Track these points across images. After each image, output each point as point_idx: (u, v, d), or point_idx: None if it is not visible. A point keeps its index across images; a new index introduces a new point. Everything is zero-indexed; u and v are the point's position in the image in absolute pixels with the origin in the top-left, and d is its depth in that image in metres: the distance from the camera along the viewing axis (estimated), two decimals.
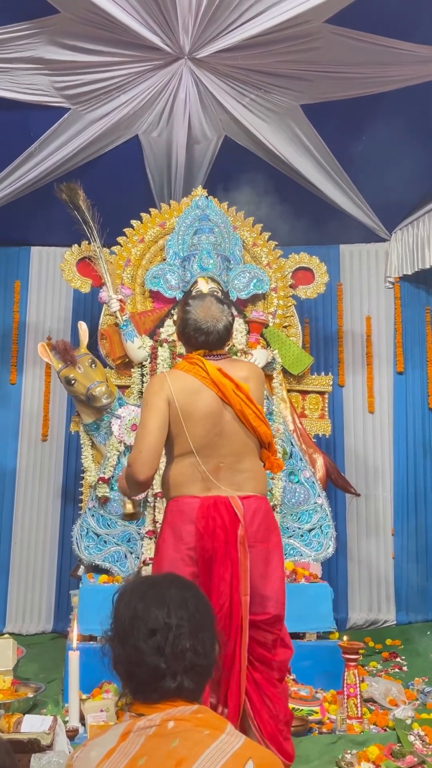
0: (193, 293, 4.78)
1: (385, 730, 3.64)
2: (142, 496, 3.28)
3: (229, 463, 2.86)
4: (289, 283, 5.23)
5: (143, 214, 5.21)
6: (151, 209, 5.25)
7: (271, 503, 4.64)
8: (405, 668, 4.77)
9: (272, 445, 2.98)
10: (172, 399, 2.82)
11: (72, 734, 3.38)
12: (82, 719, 3.60)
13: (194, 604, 1.58)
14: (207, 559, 2.74)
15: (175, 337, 4.58)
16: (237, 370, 2.97)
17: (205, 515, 2.78)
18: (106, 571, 4.58)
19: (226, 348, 3.11)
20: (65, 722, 3.44)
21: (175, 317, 4.71)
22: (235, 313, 4.84)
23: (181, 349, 4.60)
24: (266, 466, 2.98)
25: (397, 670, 4.74)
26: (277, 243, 5.25)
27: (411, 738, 3.44)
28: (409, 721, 3.67)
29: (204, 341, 2.93)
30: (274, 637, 2.84)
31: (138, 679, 1.53)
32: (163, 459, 2.95)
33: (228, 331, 2.99)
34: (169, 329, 4.81)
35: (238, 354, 4.74)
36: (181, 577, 1.72)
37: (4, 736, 2.96)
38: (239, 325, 4.82)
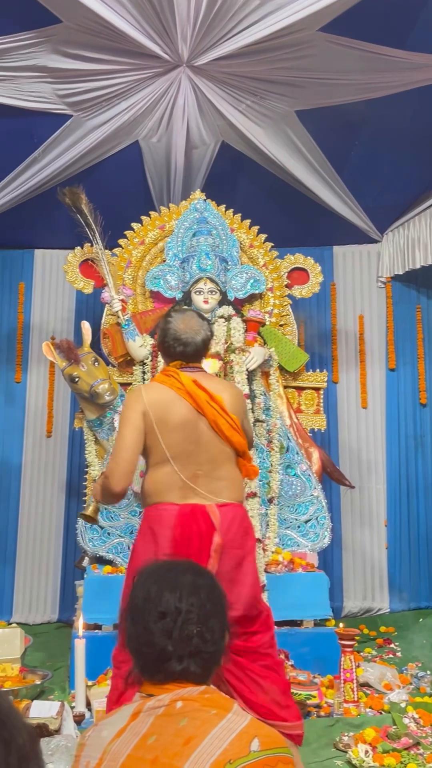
0: (192, 292, 4.91)
1: (381, 713, 3.70)
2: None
3: (206, 470, 2.89)
4: (285, 283, 5.31)
5: (143, 217, 5.28)
6: (151, 212, 5.33)
7: (269, 495, 4.75)
8: (399, 654, 4.86)
9: (247, 453, 3.01)
10: (147, 410, 2.85)
11: (79, 719, 3.43)
12: (88, 705, 3.64)
13: (207, 592, 1.60)
14: None
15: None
16: (212, 382, 3.01)
17: (182, 523, 2.81)
18: (110, 562, 4.65)
19: (202, 362, 3.13)
20: (72, 708, 3.49)
21: None
22: (233, 311, 4.95)
23: None
24: (243, 473, 3.00)
25: (391, 655, 4.81)
26: (273, 244, 5.32)
27: (406, 720, 3.48)
28: (403, 705, 3.72)
29: (182, 352, 2.97)
30: (244, 630, 2.83)
31: (146, 659, 1.57)
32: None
33: (205, 345, 3.02)
34: None
35: (236, 352, 4.82)
36: (199, 565, 1.75)
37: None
38: (237, 324, 4.87)
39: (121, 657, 2.72)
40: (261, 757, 1.40)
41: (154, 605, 1.56)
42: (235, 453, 2.97)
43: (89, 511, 3.22)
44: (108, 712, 2.73)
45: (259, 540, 4.40)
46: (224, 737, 1.41)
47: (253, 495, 4.48)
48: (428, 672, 4.38)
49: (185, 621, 1.54)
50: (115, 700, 2.73)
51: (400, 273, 6.07)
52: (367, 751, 3.13)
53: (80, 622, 3.82)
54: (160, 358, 4.81)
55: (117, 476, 2.82)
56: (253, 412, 4.78)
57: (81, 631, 3.74)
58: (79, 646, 3.63)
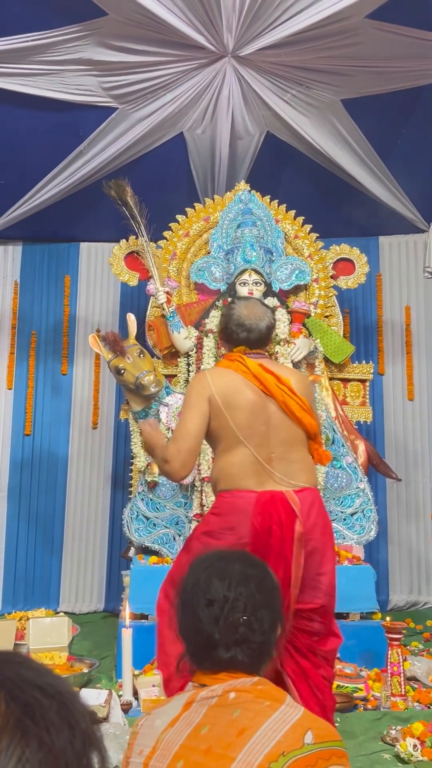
0: (237, 284, 4.90)
1: (429, 708, 3.66)
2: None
3: (280, 453, 2.81)
4: (330, 273, 5.26)
5: (188, 209, 5.29)
6: (195, 204, 5.33)
7: None
8: None
9: (318, 436, 2.93)
10: (213, 395, 2.79)
11: (126, 708, 3.46)
12: (135, 693, 3.67)
13: (257, 582, 1.59)
14: (260, 555, 2.66)
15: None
16: (278, 367, 2.99)
17: (262, 511, 2.71)
18: (156, 553, 4.68)
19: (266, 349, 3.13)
20: (119, 696, 3.52)
21: (220, 307, 4.78)
22: (278, 303, 4.93)
23: None
24: (315, 458, 2.93)
25: None
26: (318, 235, 5.28)
27: None
28: None
29: (246, 338, 2.93)
30: (320, 627, 2.76)
31: (194, 645, 1.58)
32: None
33: (270, 331, 2.99)
34: (214, 320, 4.83)
35: (281, 344, 4.79)
36: (252, 555, 1.75)
37: None
38: (282, 315, 4.84)
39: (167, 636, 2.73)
40: (315, 750, 1.39)
41: (202, 592, 1.57)
42: (306, 436, 2.89)
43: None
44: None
45: None
46: (278, 729, 1.41)
47: None
48: None
49: (232, 609, 1.55)
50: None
51: None
52: (415, 746, 3.10)
53: (127, 612, 3.85)
54: (204, 350, 4.82)
55: (177, 465, 2.76)
56: None
57: (128, 621, 3.77)
58: (126, 635, 3.67)
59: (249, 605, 1.56)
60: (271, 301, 4.89)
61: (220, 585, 1.57)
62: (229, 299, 3.20)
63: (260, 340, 2.97)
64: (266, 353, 3.03)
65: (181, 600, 1.63)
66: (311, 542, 2.75)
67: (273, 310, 3.27)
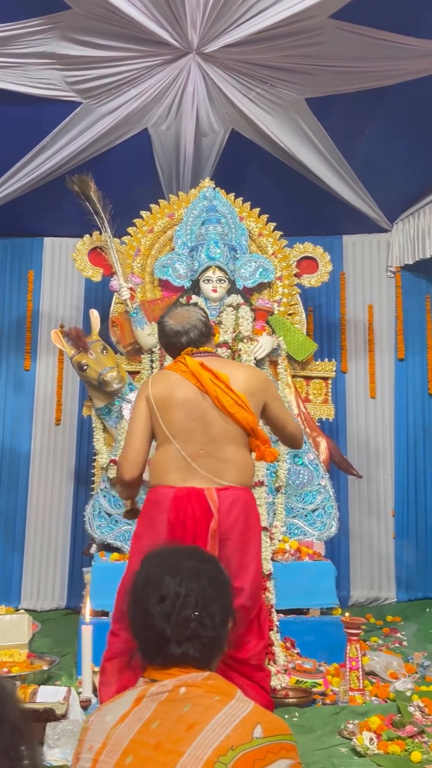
0: (201, 281, 4.91)
1: (386, 702, 3.69)
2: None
3: (208, 450, 2.86)
4: (294, 272, 5.29)
5: (152, 205, 5.28)
6: (160, 200, 5.32)
7: (276, 484, 4.76)
8: (405, 643, 4.85)
9: (258, 432, 2.93)
10: (149, 396, 2.91)
11: (85, 704, 3.43)
12: (94, 690, 3.60)
13: (208, 577, 1.60)
14: None
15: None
16: (222, 364, 2.99)
17: (177, 506, 2.80)
18: (118, 550, 4.66)
19: (215, 345, 3.15)
20: (79, 693, 3.50)
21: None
22: (242, 300, 4.94)
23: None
24: (257, 455, 2.95)
25: (397, 645, 4.81)
26: (282, 233, 5.30)
27: (411, 709, 3.46)
28: (409, 693, 3.71)
29: (187, 341, 2.98)
30: (242, 631, 2.74)
31: (146, 642, 1.58)
32: None
33: (205, 324, 3.02)
34: None
35: (245, 341, 4.81)
36: (204, 551, 1.78)
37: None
38: (245, 313, 4.86)
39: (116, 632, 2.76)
40: (264, 744, 1.41)
41: (154, 589, 1.58)
42: (245, 434, 2.91)
43: (126, 506, 3.18)
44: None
45: (265, 529, 4.40)
46: (227, 723, 1.42)
47: (261, 484, 4.49)
48: None
49: (183, 605, 1.55)
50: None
51: (410, 263, 6.05)
52: (371, 739, 3.13)
53: (87, 609, 3.83)
54: None
55: (125, 465, 2.90)
56: None
57: (88, 618, 3.75)
58: (86, 632, 3.67)
59: (201, 601, 1.56)
60: (235, 299, 4.91)
61: (171, 581, 1.57)
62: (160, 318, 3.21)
63: (202, 336, 3.00)
64: (215, 351, 3.07)
65: (132, 597, 1.62)
66: (229, 542, 2.78)
67: (195, 305, 3.29)
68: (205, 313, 3.11)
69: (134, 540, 2.97)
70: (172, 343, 3.03)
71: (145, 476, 3.21)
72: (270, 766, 1.40)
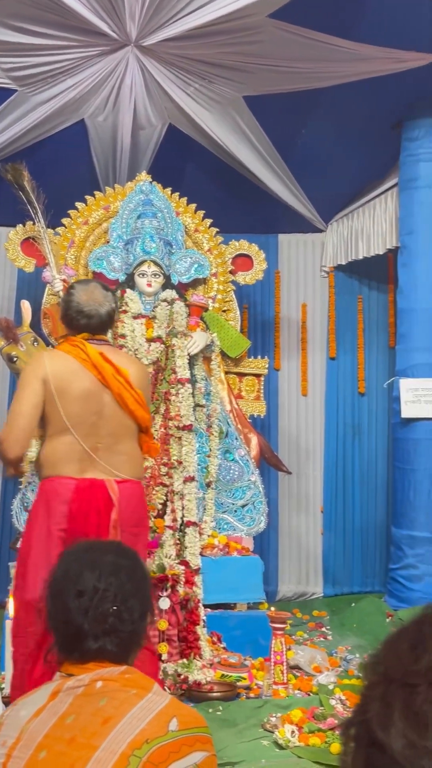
0: (136, 275, 4.89)
1: (309, 695, 3.74)
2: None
3: (107, 444, 2.86)
4: (229, 269, 5.31)
5: (88, 197, 5.23)
6: (95, 192, 5.27)
7: (207, 480, 4.78)
8: (330, 637, 4.92)
9: (150, 430, 2.99)
10: (48, 379, 2.79)
11: (8, 701, 3.32)
12: None
13: (128, 572, 1.60)
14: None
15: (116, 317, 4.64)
16: (118, 356, 3.00)
17: (80, 498, 2.78)
18: None
19: (109, 335, 3.06)
20: (2, 689, 3.48)
21: (118, 298, 4.74)
22: (176, 295, 4.94)
23: (122, 329, 4.69)
24: (143, 449, 2.99)
25: (322, 639, 4.88)
26: (218, 230, 5.31)
27: (333, 702, 3.51)
28: (331, 686, 3.77)
29: (86, 324, 2.91)
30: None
31: (63, 636, 1.57)
32: None
33: (110, 317, 2.98)
34: None
35: (179, 336, 4.80)
36: (124, 545, 1.75)
37: None
38: (180, 308, 4.85)
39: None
40: (179, 737, 1.41)
41: (72, 583, 1.56)
42: (137, 429, 2.95)
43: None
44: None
45: (195, 524, 4.43)
46: (143, 717, 1.41)
47: (191, 479, 4.50)
48: (357, 655, 4.47)
49: (102, 599, 1.54)
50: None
51: (343, 263, 6.15)
52: (293, 732, 3.18)
53: (11, 604, 3.78)
54: None
55: (10, 442, 2.76)
56: (194, 397, 4.79)
57: (12, 612, 3.70)
58: (10, 627, 3.61)
59: (119, 595, 1.56)
60: (170, 294, 4.90)
61: (90, 576, 1.56)
62: (71, 284, 3.18)
63: (101, 326, 2.96)
64: (107, 340, 3.04)
65: (50, 591, 1.61)
66: (125, 534, 2.81)
67: (114, 293, 3.26)
68: (116, 304, 3.08)
69: (29, 529, 2.89)
70: (71, 318, 2.94)
71: None
72: (185, 758, 1.40)
